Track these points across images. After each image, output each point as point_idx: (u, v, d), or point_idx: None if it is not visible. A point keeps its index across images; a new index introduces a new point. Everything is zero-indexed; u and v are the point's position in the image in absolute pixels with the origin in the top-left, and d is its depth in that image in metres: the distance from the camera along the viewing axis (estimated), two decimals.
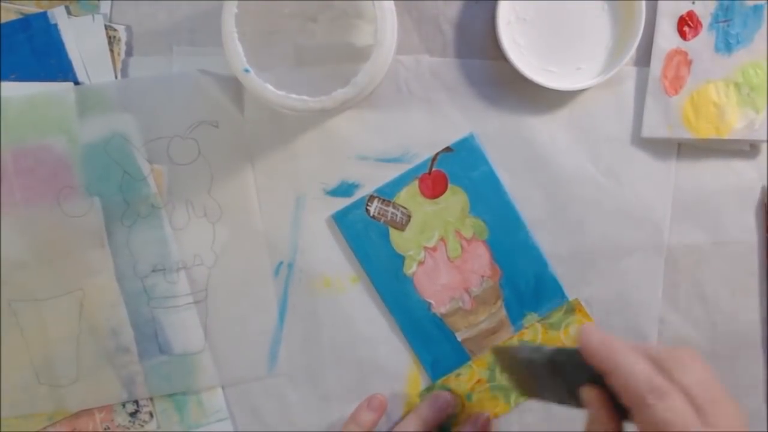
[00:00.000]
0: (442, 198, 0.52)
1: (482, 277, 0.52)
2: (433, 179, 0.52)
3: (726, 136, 0.51)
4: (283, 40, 0.50)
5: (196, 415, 0.53)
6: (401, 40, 0.51)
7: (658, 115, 0.51)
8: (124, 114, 0.51)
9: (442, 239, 0.52)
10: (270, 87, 0.44)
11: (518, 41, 0.51)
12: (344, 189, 0.52)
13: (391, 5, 0.45)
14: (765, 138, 0.51)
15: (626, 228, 0.52)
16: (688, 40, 0.51)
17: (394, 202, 0.52)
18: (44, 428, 0.53)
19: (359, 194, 0.52)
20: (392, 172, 0.52)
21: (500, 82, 0.52)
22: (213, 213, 0.52)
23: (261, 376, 0.53)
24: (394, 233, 0.52)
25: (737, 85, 0.51)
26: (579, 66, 0.51)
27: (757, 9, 0.50)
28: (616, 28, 0.50)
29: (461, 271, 0.52)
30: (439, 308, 0.52)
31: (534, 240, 0.52)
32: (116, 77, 0.51)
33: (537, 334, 0.52)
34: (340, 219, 0.52)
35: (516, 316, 0.52)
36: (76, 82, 0.51)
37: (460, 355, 0.53)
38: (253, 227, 0.52)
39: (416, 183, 0.52)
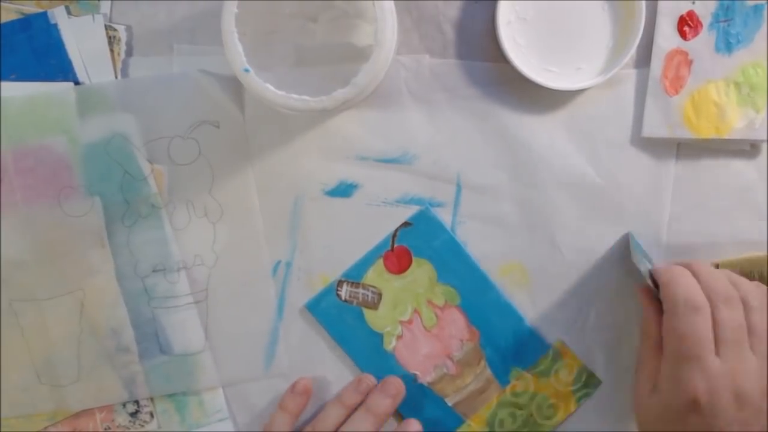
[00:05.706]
0: (408, 272, 0.52)
1: (461, 341, 0.53)
2: (397, 255, 0.52)
3: (726, 136, 0.51)
4: (283, 40, 0.50)
5: (197, 415, 0.53)
6: (401, 40, 0.51)
7: (658, 114, 0.51)
8: (124, 114, 0.51)
9: (416, 311, 0.52)
10: (270, 87, 0.44)
11: (518, 41, 0.51)
12: (343, 189, 0.52)
13: (391, 5, 0.45)
14: (765, 138, 0.51)
15: (625, 228, 0.52)
16: (688, 40, 0.51)
17: (362, 283, 0.52)
18: (45, 428, 0.53)
19: (358, 194, 0.52)
20: (391, 173, 0.52)
21: (500, 82, 0.51)
22: (214, 213, 0.52)
23: (258, 375, 0.53)
24: (368, 313, 0.52)
25: (737, 85, 0.51)
26: (579, 66, 0.51)
27: (757, 9, 0.50)
28: (616, 28, 0.50)
29: (440, 339, 0.53)
30: (425, 378, 0.53)
31: (505, 297, 0.52)
32: (116, 77, 0.51)
33: (529, 384, 0.53)
34: (313, 308, 0.52)
35: (501, 373, 0.53)
36: (76, 82, 0.51)
37: (453, 419, 0.53)
38: (253, 227, 0.52)
39: (381, 261, 0.52)
